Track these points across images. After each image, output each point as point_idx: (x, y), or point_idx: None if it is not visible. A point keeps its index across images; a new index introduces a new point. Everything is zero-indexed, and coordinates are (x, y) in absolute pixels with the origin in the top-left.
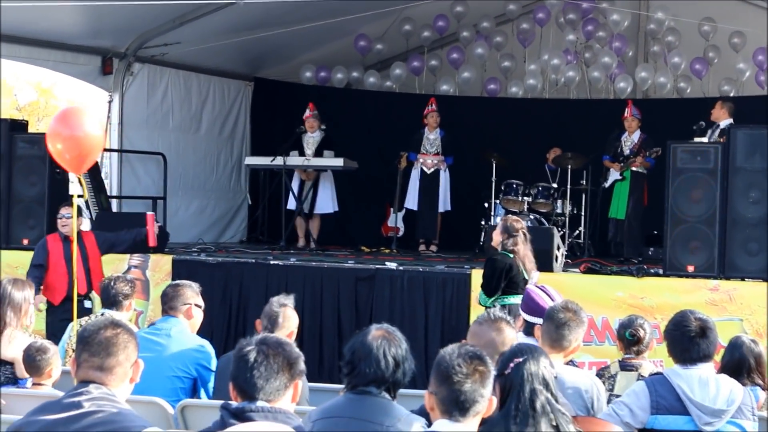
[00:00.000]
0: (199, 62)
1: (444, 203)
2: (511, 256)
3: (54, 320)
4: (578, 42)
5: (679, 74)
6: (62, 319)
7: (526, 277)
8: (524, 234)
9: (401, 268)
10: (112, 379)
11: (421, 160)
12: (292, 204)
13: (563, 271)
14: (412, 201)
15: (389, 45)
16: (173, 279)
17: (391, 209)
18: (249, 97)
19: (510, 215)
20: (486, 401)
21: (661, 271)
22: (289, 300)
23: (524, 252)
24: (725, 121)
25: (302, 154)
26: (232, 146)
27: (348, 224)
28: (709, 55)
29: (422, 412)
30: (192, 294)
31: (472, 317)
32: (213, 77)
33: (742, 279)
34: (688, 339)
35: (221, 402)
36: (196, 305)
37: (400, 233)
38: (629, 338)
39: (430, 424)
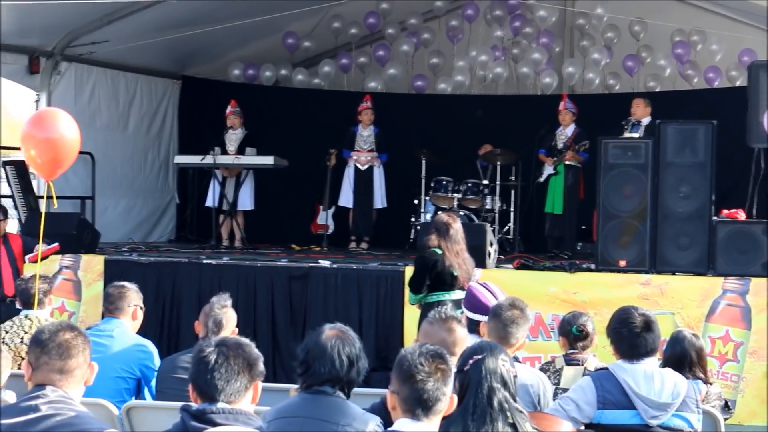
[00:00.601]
0: (126, 61)
1: (381, 199)
2: (440, 252)
3: None
4: (506, 38)
5: (607, 70)
6: None
7: (455, 274)
8: (455, 229)
9: (335, 266)
10: (70, 382)
11: (354, 157)
12: (210, 201)
13: (496, 267)
14: (345, 198)
15: (318, 42)
16: (106, 279)
17: (321, 207)
18: (177, 95)
19: (442, 212)
20: (447, 399)
21: (593, 266)
22: (227, 300)
23: (457, 249)
24: (647, 119)
25: (225, 151)
26: (160, 145)
27: (277, 222)
28: (641, 53)
29: (375, 411)
30: (136, 296)
31: (406, 315)
32: (140, 76)
33: (674, 273)
34: (634, 335)
35: (167, 403)
36: (140, 307)
37: (330, 231)
38: (576, 333)
39: (385, 422)
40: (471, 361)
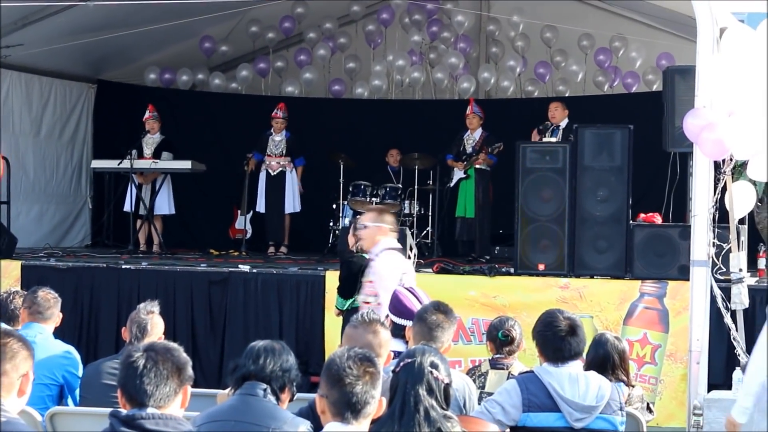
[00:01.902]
0: (41, 64)
1: (292, 204)
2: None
3: None
4: (423, 43)
5: (523, 76)
6: None
7: None
8: None
9: (254, 270)
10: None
11: (266, 162)
12: (128, 206)
13: (416, 271)
14: (260, 203)
15: (234, 46)
16: (23, 285)
17: (239, 212)
18: (92, 99)
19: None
20: (376, 402)
21: (512, 270)
22: (155, 306)
23: None
24: (564, 122)
25: (141, 156)
26: (73, 149)
27: (195, 227)
28: (555, 58)
29: (302, 415)
30: (57, 301)
31: (327, 319)
32: (55, 80)
33: (592, 276)
34: (559, 338)
35: (92, 409)
36: (60, 312)
37: (248, 235)
38: (502, 338)
39: (314, 426)
40: (402, 364)
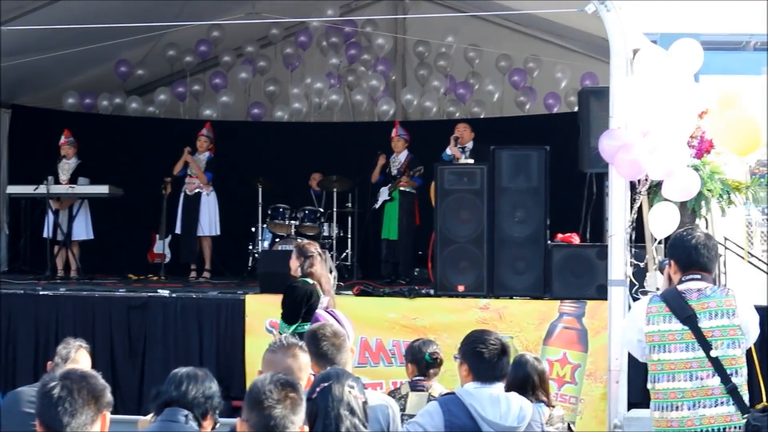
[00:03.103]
0: None
1: (209, 226)
2: (311, 282)
3: None
4: (341, 65)
5: (444, 97)
6: None
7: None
8: (320, 255)
9: (174, 295)
10: None
11: (186, 183)
12: (46, 232)
13: (336, 293)
14: (177, 225)
15: (151, 70)
16: None
17: (157, 236)
18: (6, 124)
19: (302, 239)
20: (297, 429)
21: (432, 292)
22: (83, 342)
23: (321, 272)
24: (470, 143)
25: (57, 181)
26: None
27: (113, 252)
28: (470, 80)
29: None
30: None
31: (247, 343)
32: None
33: (511, 297)
34: (496, 357)
35: None
36: None
37: (167, 260)
38: (430, 361)
39: None
40: (318, 390)
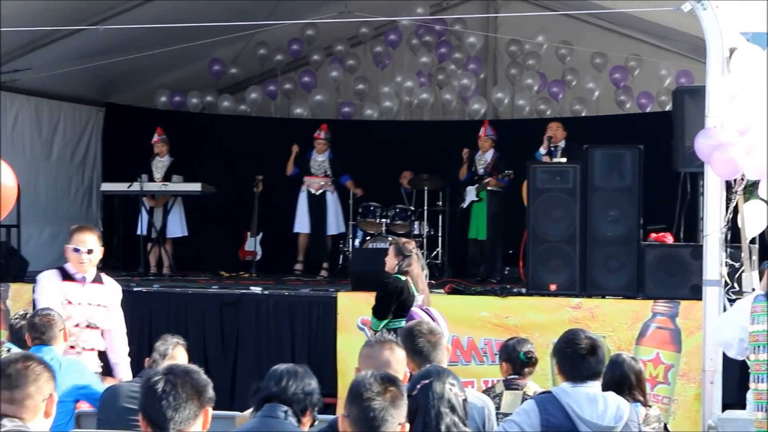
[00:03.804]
0: (50, 88)
1: (335, 225)
2: (403, 279)
3: None
4: (431, 64)
5: (536, 96)
6: None
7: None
8: (417, 255)
9: (266, 292)
10: (23, 412)
11: (306, 182)
12: (140, 229)
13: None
14: (300, 224)
15: (243, 69)
16: (35, 308)
17: (248, 233)
18: (101, 122)
19: (400, 238)
20: (396, 424)
21: (524, 290)
22: (180, 339)
23: (417, 272)
24: (563, 142)
25: (151, 179)
26: (84, 172)
27: (204, 249)
28: (567, 77)
29: None
30: (61, 319)
31: (339, 341)
32: (64, 103)
33: (603, 296)
34: (579, 357)
35: None
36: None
37: (258, 257)
38: (525, 359)
39: None
40: (419, 386)
